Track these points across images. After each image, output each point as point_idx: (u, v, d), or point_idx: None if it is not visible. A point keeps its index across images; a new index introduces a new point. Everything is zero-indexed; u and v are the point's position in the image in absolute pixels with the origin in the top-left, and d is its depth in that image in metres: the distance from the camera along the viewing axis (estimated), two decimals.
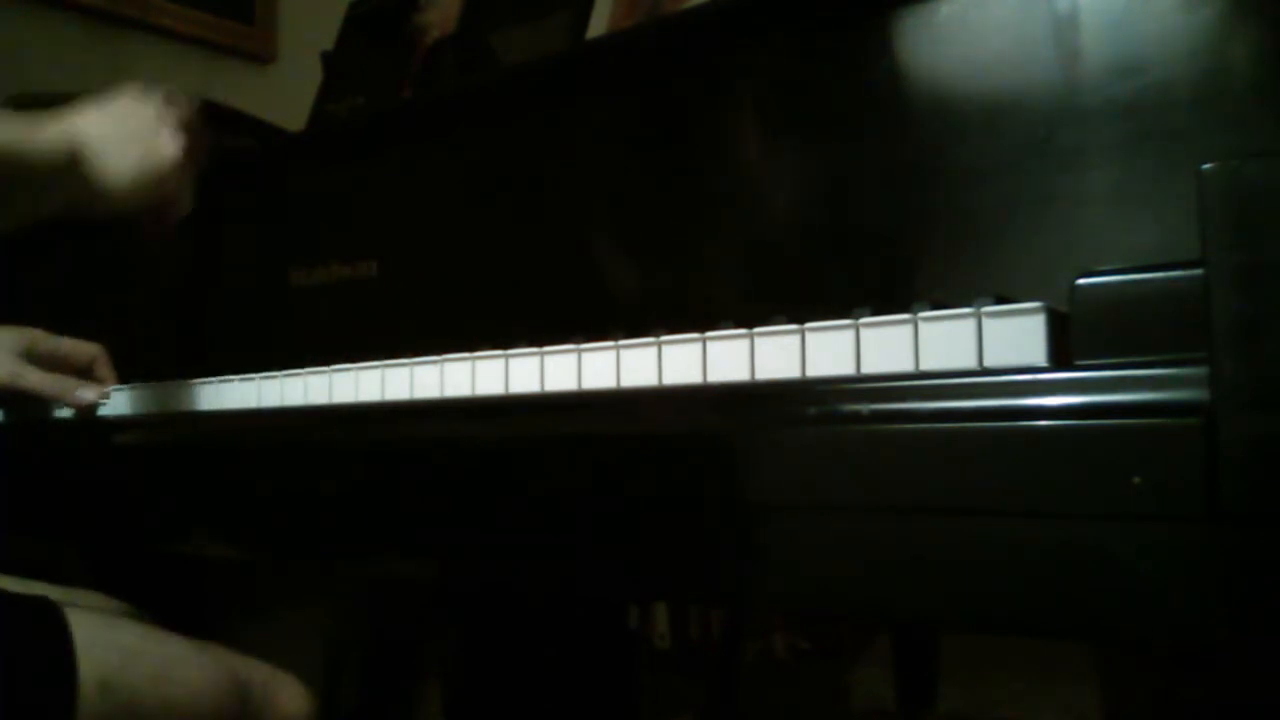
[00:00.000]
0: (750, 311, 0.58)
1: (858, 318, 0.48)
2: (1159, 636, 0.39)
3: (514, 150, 0.87)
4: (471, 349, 0.63)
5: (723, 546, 0.50)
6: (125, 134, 0.75)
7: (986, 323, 0.44)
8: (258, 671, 0.73)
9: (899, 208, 0.64)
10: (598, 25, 0.93)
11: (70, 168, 0.71)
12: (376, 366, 0.67)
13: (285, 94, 1.59)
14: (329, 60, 1.21)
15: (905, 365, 0.46)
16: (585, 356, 0.57)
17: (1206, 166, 0.37)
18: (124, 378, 0.95)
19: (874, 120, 0.66)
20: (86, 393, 0.88)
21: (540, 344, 0.60)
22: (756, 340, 0.51)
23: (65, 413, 0.93)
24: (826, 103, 0.69)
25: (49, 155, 0.70)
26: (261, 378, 0.76)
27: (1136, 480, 0.37)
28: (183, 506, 0.82)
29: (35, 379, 0.85)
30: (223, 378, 0.80)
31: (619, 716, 1.14)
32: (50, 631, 0.62)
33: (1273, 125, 0.52)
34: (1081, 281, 0.42)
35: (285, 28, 1.86)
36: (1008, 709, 1.30)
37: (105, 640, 0.63)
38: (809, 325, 0.49)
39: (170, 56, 1.70)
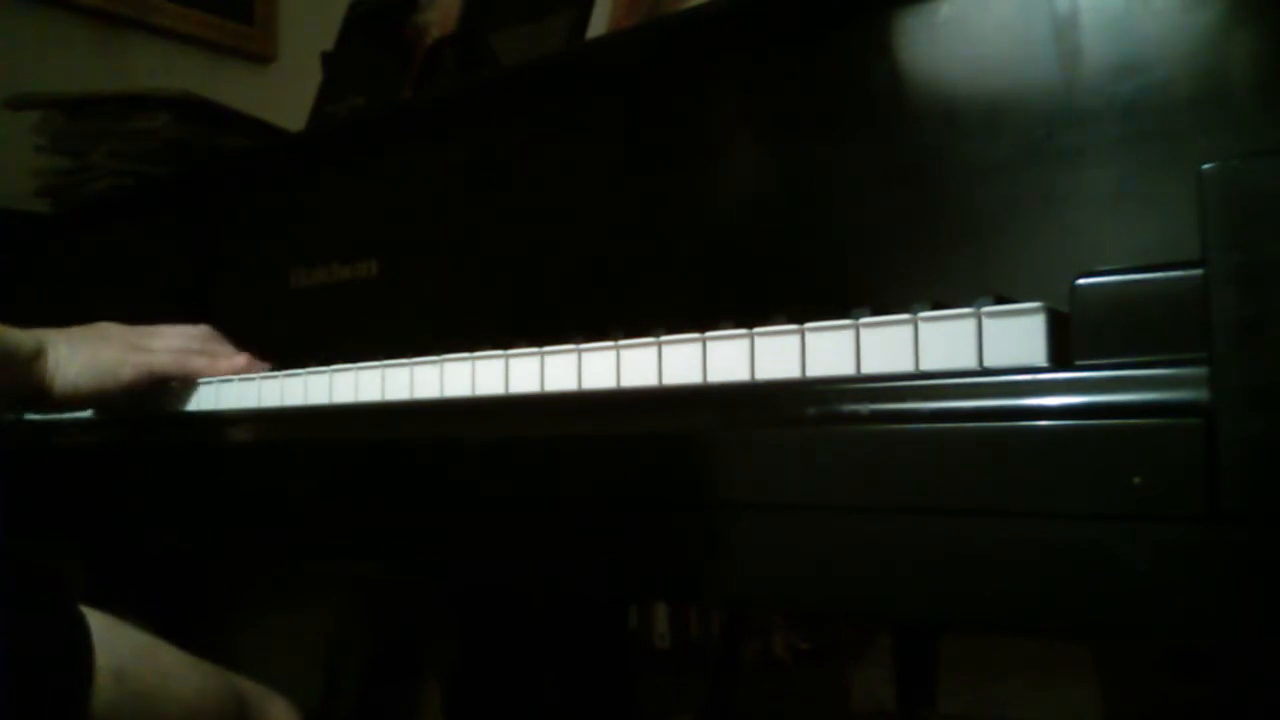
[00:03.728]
0: (750, 311, 0.58)
1: (858, 318, 0.48)
2: (1159, 636, 0.39)
3: (514, 150, 0.87)
4: (471, 349, 0.63)
5: (723, 547, 0.50)
6: (84, 342, 0.83)
7: (986, 323, 0.44)
8: (251, 686, 0.74)
9: (899, 207, 0.64)
10: (598, 25, 0.93)
11: (30, 361, 0.79)
12: (376, 366, 0.67)
13: (285, 94, 1.59)
14: (329, 60, 1.21)
15: (905, 365, 0.46)
16: (585, 356, 0.57)
17: (1206, 166, 0.37)
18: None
19: (874, 120, 0.66)
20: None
21: (540, 344, 0.60)
22: (756, 340, 0.51)
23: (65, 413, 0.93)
24: (827, 102, 0.69)
25: (12, 345, 0.78)
26: (261, 378, 0.76)
27: (1137, 480, 0.37)
28: (183, 508, 0.82)
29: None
30: (223, 378, 0.80)
31: (619, 716, 1.14)
32: (69, 622, 0.63)
33: (1273, 125, 0.52)
34: (1081, 281, 0.42)
35: (285, 28, 1.86)
36: (1008, 709, 1.30)
37: (118, 635, 0.65)
38: (809, 325, 0.49)
39: (170, 56, 1.70)
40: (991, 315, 0.44)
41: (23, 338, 0.79)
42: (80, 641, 0.61)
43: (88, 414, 0.91)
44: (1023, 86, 0.59)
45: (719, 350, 0.52)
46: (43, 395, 0.81)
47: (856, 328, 0.47)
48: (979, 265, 0.60)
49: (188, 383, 0.83)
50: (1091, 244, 0.56)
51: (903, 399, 0.44)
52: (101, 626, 0.63)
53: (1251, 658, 0.35)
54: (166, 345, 0.86)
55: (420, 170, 0.93)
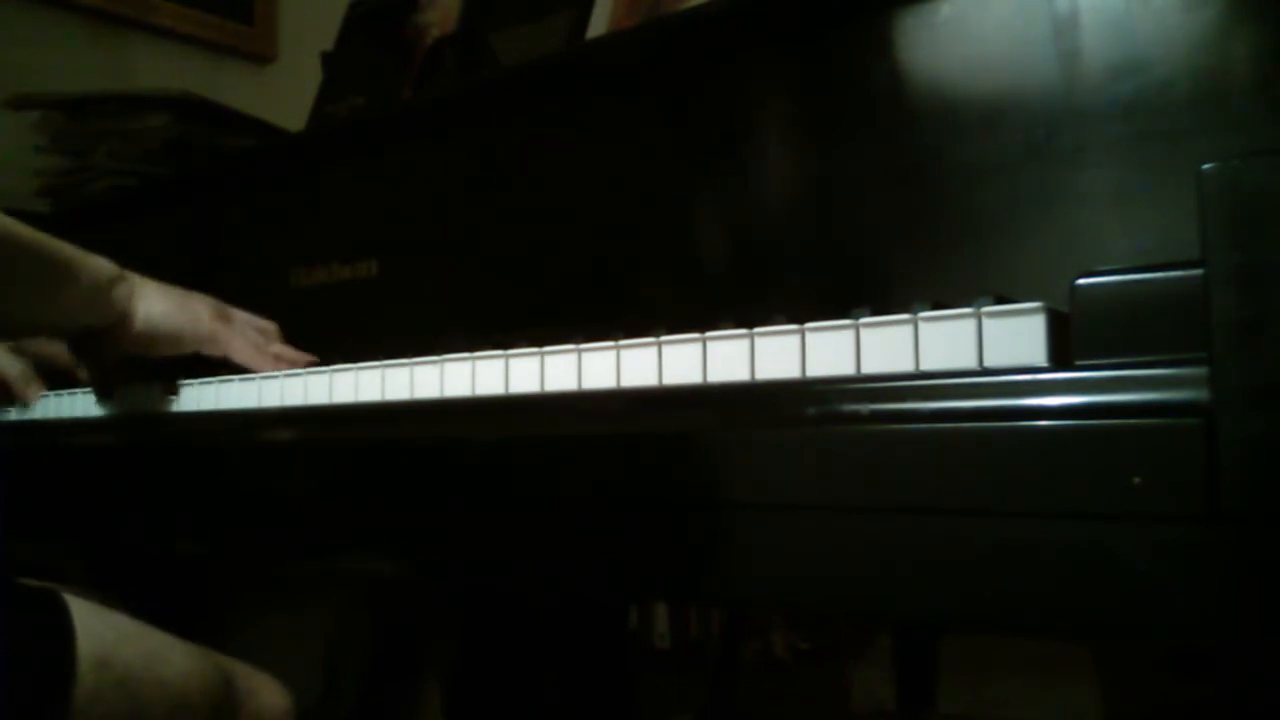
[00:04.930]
0: (750, 311, 0.58)
1: (858, 318, 0.48)
2: (1159, 636, 0.39)
3: (514, 150, 0.87)
4: (471, 349, 0.63)
5: (723, 546, 0.50)
6: (172, 297, 0.84)
7: (986, 323, 0.44)
8: (239, 666, 0.75)
9: (899, 207, 0.64)
10: (598, 25, 0.93)
11: (109, 289, 0.79)
12: (376, 366, 0.67)
13: (285, 94, 1.59)
14: (329, 60, 1.21)
15: (905, 365, 0.46)
16: (585, 356, 0.57)
17: (1206, 166, 0.37)
18: (124, 378, 0.95)
19: (874, 120, 0.66)
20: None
21: (540, 344, 0.60)
22: (756, 340, 0.51)
23: (65, 413, 0.93)
24: (827, 102, 0.69)
25: (94, 273, 0.78)
26: (262, 378, 0.76)
27: (1137, 480, 0.37)
28: (183, 508, 0.82)
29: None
30: (223, 378, 0.80)
31: (619, 716, 1.14)
32: (50, 609, 0.63)
33: (1273, 125, 0.52)
34: (1081, 281, 0.42)
35: (285, 28, 1.86)
36: (1008, 709, 1.30)
37: (101, 622, 0.65)
38: (809, 325, 0.49)
39: (170, 56, 1.70)
40: (991, 315, 0.44)
41: (104, 263, 0.79)
42: (61, 628, 0.61)
43: (88, 414, 0.91)
44: (1022, 86, 0.59)
45: (719, 350, 0.52)
46: (123, 324, 0.81)
47: (856, 328, 0.47)
48: (979, 265, 0.60)
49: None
50: (1091, 244, 0.56)
51: (903, 399, 0.44)
52: (84, 612, 0.64)
53: (1251, 658, 0.35)
54: (247, 334, 0.86)
55: (420, 170, 0.93)
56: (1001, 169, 0.60)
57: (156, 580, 1.14)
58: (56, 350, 0.94)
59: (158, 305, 0.82)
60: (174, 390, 0.84)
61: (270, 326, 0.90)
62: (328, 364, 0.71)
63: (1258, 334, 0.36)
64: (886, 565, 0.44)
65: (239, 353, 0.84)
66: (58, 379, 0.96)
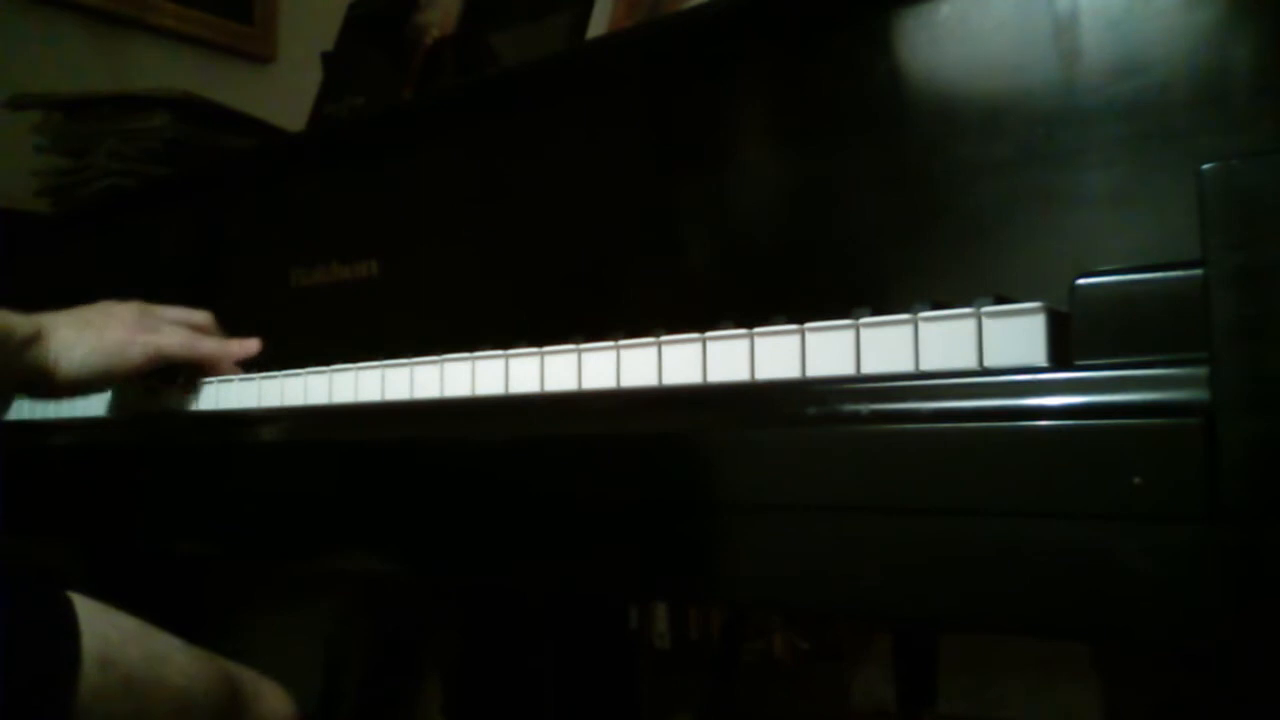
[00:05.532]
0: (750, 311, 0.58)
1: (858, 318, 0.48)
2: (1159, 636, 0.39)
3: (513, 150, 0.87)
4: (471, 349, 0.63)
5: (724, 547, 0.50)
6: (88, 324, 0.81)
7: (986, 323, 0.44)
8: (243, 671, 0.74)
9: (899, 207, 0.64)
10: (598, 25, 0.93)
11: (27, 345, 0.77)
12: (376, 366, 0.67)
13: (285, 94, 1.59)
14: (329, 60, 1.21)
15: (905, 365, 0.46)
16: (585, 356, 0.57)
17: (1206, 166, 0.37)
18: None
19: (874, 120, 0.66)
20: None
21: (540, 344, 0.60)
22: (756, 340, 0.51)
23: (64, 413, 0.93)
24: (826, 102, 0.69)
25: (5, 330, 0.75)
26: (261, 378, 0.76)
27: (1137, 480, 0.37)
28: (183, 508, 0.82)
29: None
30: (223, 378, 0.80)
31: (619, 716, 1.14)
32: (55, 608, 0.63)
33: (1273, 125, 0.51)
34: (1081, 281, 0.42)
35: (285, 28, 1.86)
36: (1008, 709, 1.30)
37: (106, 622, 0.65)
38: (809, 325, 0.49)
39: (170, 56, 1.70)
40: (991, 315, 0.44)
41: (18, 321, 0.77)
42: (66, 627, 0.61)
43: (88, 414, 0.91)
44: (1022, 86, 0.59)
45: (719, 350, 0.52)
46: (45, 380, 0.79)
47: (856, 328, 0.47)
48: (979, 265, 0.60)
49: (197, 367, 0.82)
50: (1091, 244, 0.56)
51: (903, 399, 0.44)
52: (89, 612, 0.63)
53: (1251, 658, 0.35)
54: (174, 327, 0.84)
55: (420, 170, 0.93)
56: (1001, 169, 0.60)
57: (156, 580, 1.14)
58: None
59: (77, 351, 0.79)
60: (173, 390, 0.84)
61: (204, 317, 0.88)
62: (328, 364, 0.71)
63: (1258, 334, 0.36)
64: (886, 565, 0.44)
65: (176, 348, 0.82)
66: None
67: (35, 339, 0.78)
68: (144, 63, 1.66)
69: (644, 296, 0.77)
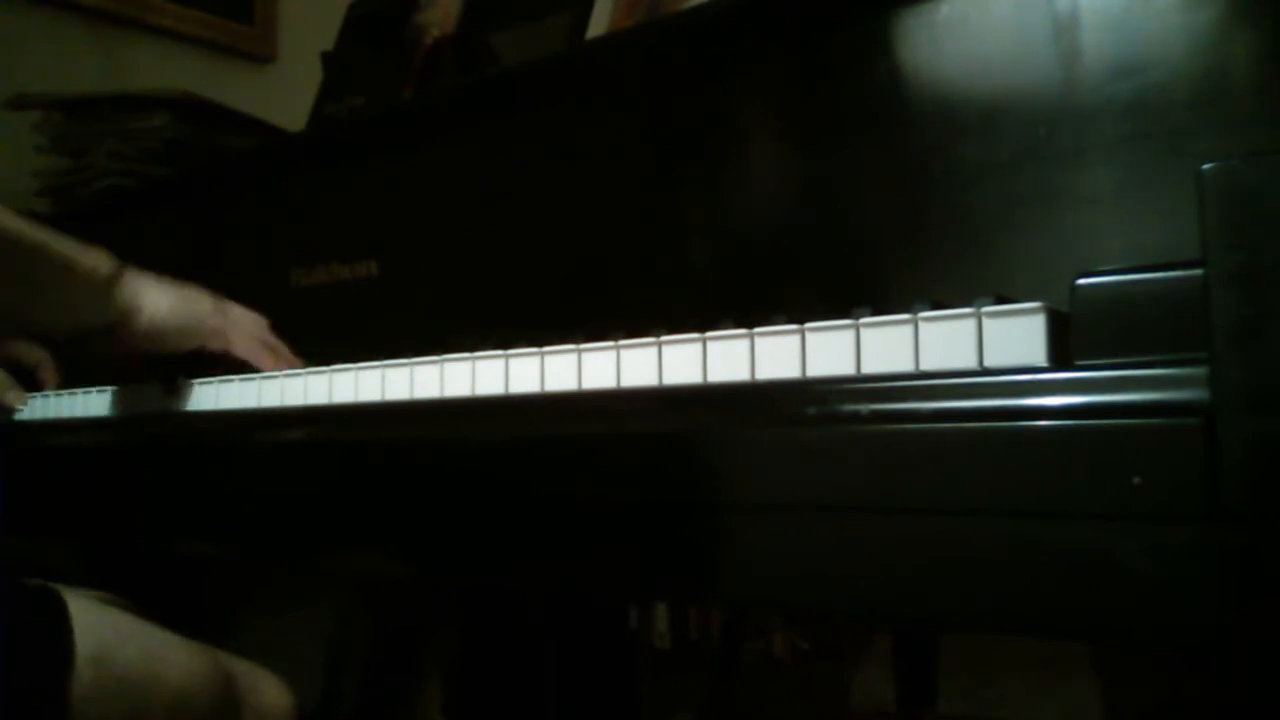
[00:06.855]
0: (750, 311, 0.58)
1: (858, 318, 0.48)
2: (1159, 636, 0.39)
3: (513, 150, 0.87)
4: (471, 349, 0.63)
5: (724, 547, 0.50)
6: (174, 292, 0.83)
7: (986, 323, 0.44)
8: (241, 665, 0.75)
9: (899, 207, 0.64)
10: (598, 25, 0.93)
11: (109, 286, 0.78)
12: (376, 366, 0.67)
13: (285, 94, 1.59)
14: (329, 60, 1.21)
15: (905, 365, 0.46)
16: (585, 356, 0.57)
17: (1206, 166, 0.37)
18: (124, 378, 0.95)
19: (874, 120, 0.66)
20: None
21: (540, 344, 0.60)
22: (756, 340, 0.51)
23: (65, 412, 0.93)
24: (826, 102, 0.69)
25: (92, 270, 0.77)
26: (261, 378, 0.76)
27: (1137, 480, 0.37)
28: (183, 508, 0.82)
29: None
30: (223, 378, 0.80)
31: (619, 716, 1.14)
32: (48, 608, 0.63)
33: (1273, 125, 0.52)
34: (1081, 281, 0.42)
35: (285, 28, 1.86)
36: (1008, 709, 1.30)
37: (100, 620, 0.65)
38: (809, 325, 0.49)
39: (170, 56, 1.70)
40: (991, 315, 0.44)
41: (103, 259, 0.77)
42: (58, 626, 0.61)
43: (88, 414, 0.91)
44: (1022, 86, 0.59)
45: (719, 350, 0.52)
46: (123, 324, 0.79)
47: (856, 328, 0.47)
48: (979, 265, 0.60)
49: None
50: (1091, 244, 0.56)
51: (903, 399, 0.44)
52: (82, 610, 0.64)
53: (1251, 658, 0.35)
54: (245, 327, 0.86)
55: (420, 170, 0.93)
56: (1001, 169, 0.60)
57: (156, 580, 1.14)
58: (38, 357, 0.94)
59: (163, 301, 0.81)
60: (174, 390, 0.84)
61: (262, 320, 0.90)
62: (328, 364, 0.71)
63: (1258, 334, 0.36)
64: (886, 565, 0.44)
65: (241, 347, 0.83)
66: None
67: (122, 277, 0.79)
68: (144, 63, 1.66)
69: (644, 296, 0.77)
